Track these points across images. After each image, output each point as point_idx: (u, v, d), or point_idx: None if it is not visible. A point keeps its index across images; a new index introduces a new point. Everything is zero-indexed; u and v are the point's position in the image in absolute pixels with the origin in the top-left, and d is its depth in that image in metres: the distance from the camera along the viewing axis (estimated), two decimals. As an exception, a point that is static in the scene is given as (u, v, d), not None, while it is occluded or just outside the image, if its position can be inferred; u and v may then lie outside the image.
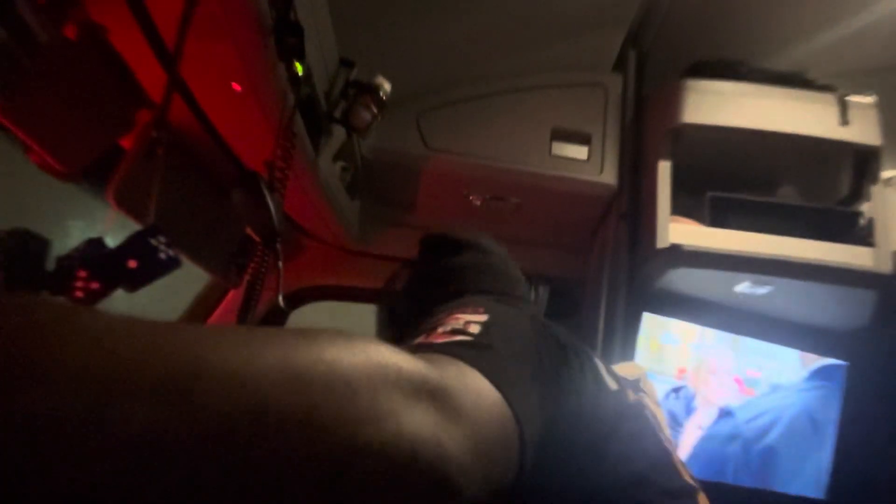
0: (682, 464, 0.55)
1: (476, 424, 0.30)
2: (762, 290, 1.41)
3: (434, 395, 0.27)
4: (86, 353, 0.19)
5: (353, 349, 0.26)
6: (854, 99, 1.39)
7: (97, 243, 0.59)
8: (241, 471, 0.20)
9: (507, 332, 0.44)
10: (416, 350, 0.34)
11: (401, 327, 0.81)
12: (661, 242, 1.34)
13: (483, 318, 0.44)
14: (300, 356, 0.24)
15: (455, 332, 0.41)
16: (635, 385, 1.06)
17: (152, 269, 0.60)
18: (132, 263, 0.58)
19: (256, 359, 0.22)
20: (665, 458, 0.52)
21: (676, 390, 1.49)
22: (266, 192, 0.82)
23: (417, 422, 0.25)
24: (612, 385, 0.54)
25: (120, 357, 0.20)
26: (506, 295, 0.75)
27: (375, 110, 1.11)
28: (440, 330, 0.43)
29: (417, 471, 0.24)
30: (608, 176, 1.46)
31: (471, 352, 0.37)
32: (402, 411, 0.25)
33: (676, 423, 1.47)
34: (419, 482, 0.24)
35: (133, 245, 0.60)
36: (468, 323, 0.43)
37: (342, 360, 0.25)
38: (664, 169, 1.40)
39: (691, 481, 0.52)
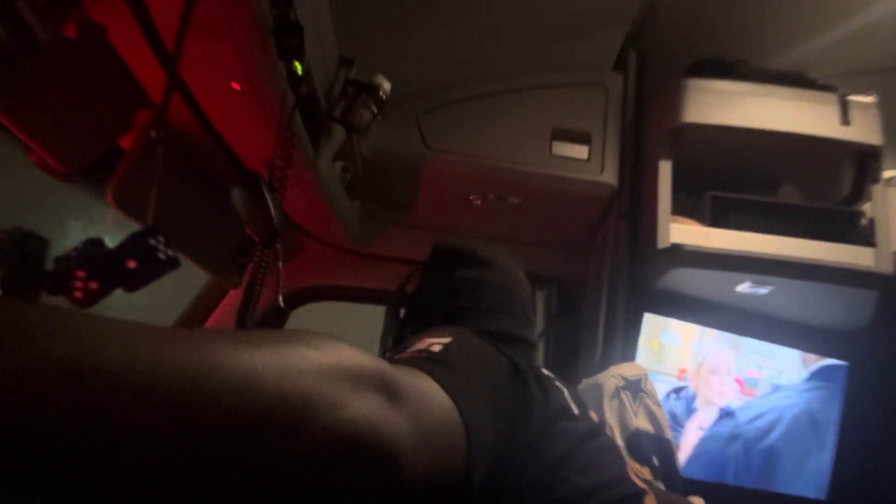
0: (635, 466, 0.59)
1: (421, 415, 0.34)
2: (763, 291, 1.41)
3: (385, 388, 0.32)
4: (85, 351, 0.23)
5: (320, 348, 0.31)
6: (855, 98, 1.39)
7: (96, 243, 0.59)
8: (240, 440, 0.25)
9: (465, 352, 0.49)
10: None
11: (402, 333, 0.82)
12: (662, 242, 1.33)
13: (446, 339, 0.49)
14: (292, 355, 0.29)
15: (419, 351, 0.47)
16: (636, 385, 1.07)
17: (151, 270, 0.60)
18: (131, 263, 0.58)
19: (254, 357, 0.27)
20: (618, 472, 0.57)
21: (677, 391, 1.49)
22: (266, 193, 0.82)
23: (368, 406, 0.30)
24: (575, 409, 0.58)
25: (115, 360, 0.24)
26: (509, 314, 0.77)
27: (375, 109, 1.10)
28: (407, 352, 0.48)
29: (364, 447, 0.29)
30: (609, 175, 1.46)
31: (427, 363, 0.42)
32: (355, 398, 0.30)
33: (677, 423, 1.47)
34: (365, 457, 0.29)
35: (132, 245, 0.59)
36: (431, 344, 0.48)
37: (321, 359, 0.30)
38: (665, 168, 1.39)
39: (641, 485, 0.57)
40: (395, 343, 0.83)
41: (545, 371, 0.61)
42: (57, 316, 0.24)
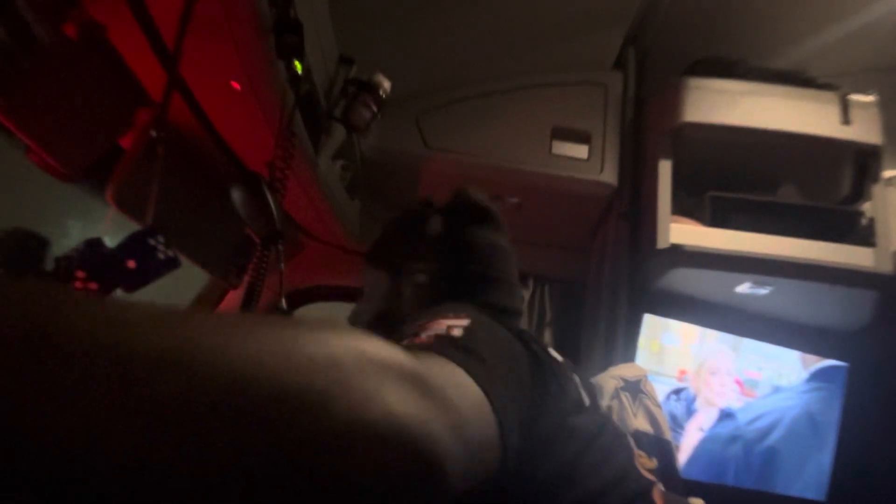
0: (642, 458, 0.58)
1: (458, 412, 0.31)
2: (763, 291, 1.41)
3: (416, 381, 0.28)
4: (102, 332, 0.21)
5: (344, 337, 0.27)
6: (855, 98, 1.39)
7: (96, 243, 0.59)
8: (239, 438, 0.22)
9: (488, 339, 0.45)
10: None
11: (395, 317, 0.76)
12: (662, 243, 1.33)
13: (465, 322, 0.46)
14: (299, 341, 0.25)
15: (439, 336, 0.43)
16: (636, 386, 1.07)
17: (151, 270, 0.60)
18: (131, 264, 0.58)
19: (257, 341, 0.24)
20: (626, 468, 0.54)
21: (677, 392, 1.49)
22: (267, 193, 0.82)
23: (401, 401, 0.26)
24: (587, 400, 0.56)
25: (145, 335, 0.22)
26: (512, 284, 0.74)
27: (375, 109, 1.10)
28: (423, 335, 0.43)
29: (402, 445, 0.25)
30: (608, 175, 1.46)
31: (454, 352, 0.38)
32: (386, 391, 0.26)
33: (677, 424, 1.46)
34: (404, 457, 0.25)
35: (132, 245, 0.59)
36: (451, 327, 0.44)
37: (336, 345, 0.26)
38: (665, 168, 1.39)
39: (649, 476, 0.55)
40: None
41: (555, 355, 0.59)
42: (35, 287, 0.22)
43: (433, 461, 0.26)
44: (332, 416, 0.23)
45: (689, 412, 1.49)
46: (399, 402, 0.26)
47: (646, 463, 0.58)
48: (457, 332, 0.43)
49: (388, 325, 0.75)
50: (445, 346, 0.39)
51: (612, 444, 0.55)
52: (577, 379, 0.59)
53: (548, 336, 1.66)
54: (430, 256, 0.74)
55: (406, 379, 0.28)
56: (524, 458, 0.41)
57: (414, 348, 0.39)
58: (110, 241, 0.60)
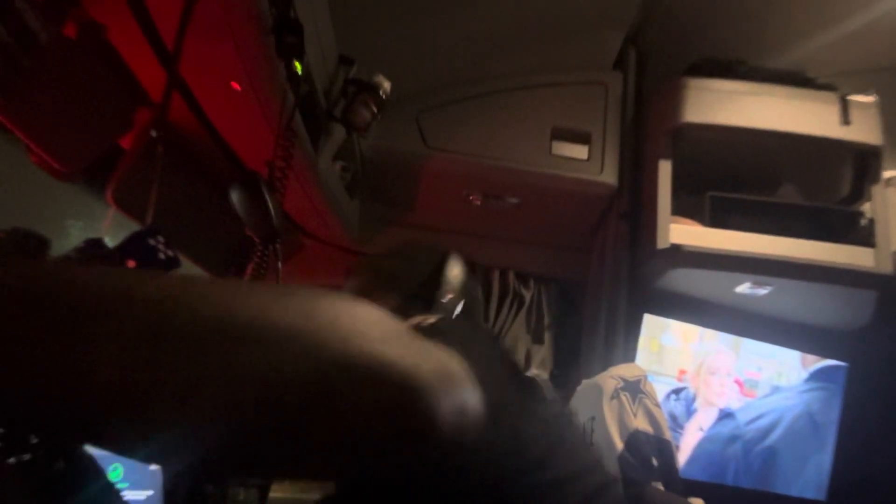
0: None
1: (444, 369, 0.35)
2: (762, 291, 1.41)
3: (412, 340, 0.35)
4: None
5: (361, 303, 0.34)
6: (855, 98, 1.39)
7: (96, 243, 0.59)
8: (292, 351, 0.29)
9: (459, 329, 0.51)
10: None
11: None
12: (662, 243, 1.33)
13: (435, 317, 0.51)
14: (328, 301, 0.32)
15: (414, 326, 0.47)
16: (635, 386, 1.07)
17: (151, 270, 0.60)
18: (131, 264, 0.58)
19: (283, 302, 0.31)
20: (596, 457, 0.58)
21: (677, 392, 1.49)
22: (266, 193, 0.82)
23: (394, 344, 0.32)
24: (548, 394, 0.61)
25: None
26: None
27: (375, 109, 1.10)
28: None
29: (392, 385, 0.30)
30: (608, 175, 1.46)
31: (429, 332, 0.43)
32: (383, 339, 0.32)
33: (677, 424, 1.46)
34: (394, 396, 0.30)
35: (132, 245, 0.59)
36: (423, 319, 0.49)
37: (353, 306, 0.33)
38: (664, 168, 1.39)
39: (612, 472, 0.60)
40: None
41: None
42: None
43: (421, 401, 0.31)
44: (345, 347, 0.30)
45: (689, 412, 1.49)
46: (390, 345, 0.32)
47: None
48: (430, 320, 0.49)
49: None
50: (422, 329, 0.44)
51: (580, 435, 0.58)
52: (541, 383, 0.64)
53: (548, 336, 1.66)
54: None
55: (401, 334, 0.34)
56: (494, 447, 0.44)
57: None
58: (110, 241, 0.60)
